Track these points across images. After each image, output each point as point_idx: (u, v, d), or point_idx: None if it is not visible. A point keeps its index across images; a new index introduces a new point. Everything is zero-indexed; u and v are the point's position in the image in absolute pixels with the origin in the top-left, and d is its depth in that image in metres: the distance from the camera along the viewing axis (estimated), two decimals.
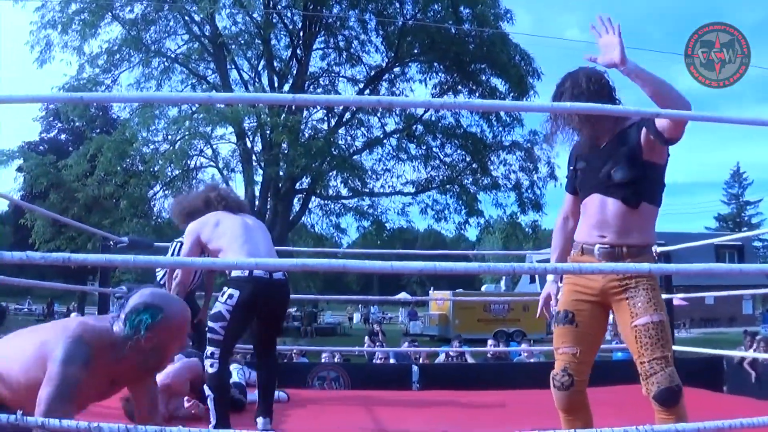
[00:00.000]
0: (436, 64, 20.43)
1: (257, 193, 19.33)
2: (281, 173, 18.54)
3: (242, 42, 19.48)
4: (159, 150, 18.67)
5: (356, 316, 38.70)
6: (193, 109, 17.79)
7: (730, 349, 10.77)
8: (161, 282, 4.64)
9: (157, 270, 5.04)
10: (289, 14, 19.58)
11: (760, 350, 9.92)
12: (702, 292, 8.12)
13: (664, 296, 2.72)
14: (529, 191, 20.30)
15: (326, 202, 20.73)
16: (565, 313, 2.70)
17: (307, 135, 19.31)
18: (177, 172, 18.96)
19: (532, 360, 9.89)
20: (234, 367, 4.64)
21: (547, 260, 3.00)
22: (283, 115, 17.16)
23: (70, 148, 23.39)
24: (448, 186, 20.30)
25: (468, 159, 20.45)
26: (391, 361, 9.65)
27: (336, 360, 9.44)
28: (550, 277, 2.92)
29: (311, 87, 20.22)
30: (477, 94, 19.88)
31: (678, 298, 7.24)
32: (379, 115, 20.17)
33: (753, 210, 58.05)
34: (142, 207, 19.42)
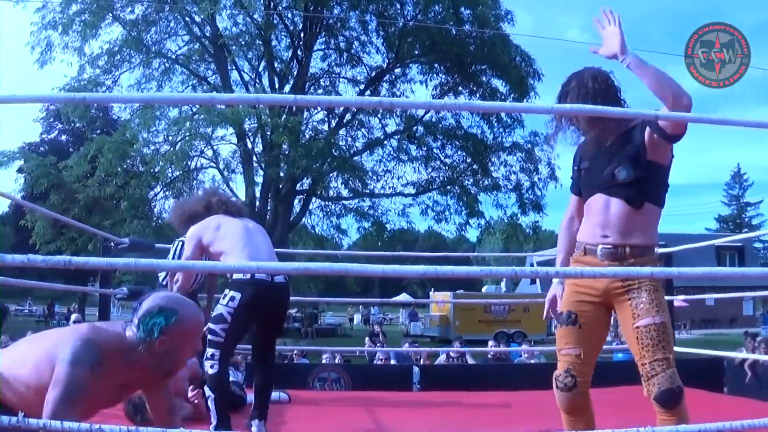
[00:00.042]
0: (436, 65, 20.44)
1: (258, 194, 19.35)
2: (282, 174, 18.54)
3: (243, 43, 19.50)
4: (159, 151, 18.68)
5: (357, 317, 38.67)
6: (194, 110, 17.81)
7: (730, 350, 10.75)
8: (163, 283, 4.64)
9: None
10: (289, 15, 19.60)
11: (761, 351, 9.91)
12: (702, 293, 8.13)
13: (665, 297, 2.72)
14: (529, 192, 20.31)
15: (327, 203, 20.74)
16: (569, 314, 2.69)
17: (307, 136, 19.33)
18: (177, 173, 18.96)
19: (532, 361, 9.88)
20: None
21: (548, 261, 3.00)
22: (284, 116, 17.17)
23: (71, 149, 23.41)
24: (448, 187, 20.31)
25: (468, 160, 20.45)
26: (392, 362, 9.64)
27: (337, 361, 9.43)
28: (555, 279, 2.92)
29: (312, 88, 20.24)
30: (478, 96, 19.89)
31: (679, 300, 7.25)
32: (379, 116, 20.18)
33: (753, 211, 58.05)
34: (143, 208, 19.42)
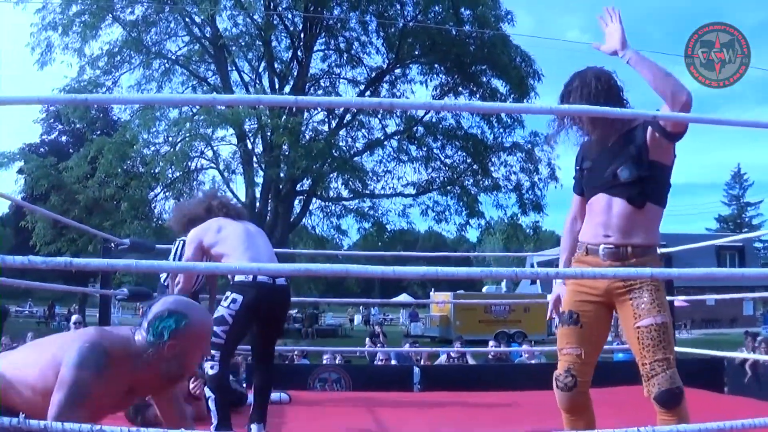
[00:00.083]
0: (436, 65, 20.45)
1: (258, 195, 19.36)
2: (282, 175, 18.55)
3: (243, 43, 19.51)
4: (160, 152, 18.69)
5: (357, 318, 38.66)
6: (194, 110, 17.83)
7: (731, 350, 10.75)
8: (165, 283, 4.65)
9: None
10: (289, 16, 19.61)
11: (761, 351, 9.91)
12: (703, 293, 8.13)
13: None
14: (529, 192, 20.33)
15: (327, 203, 20.75)
16: (570, 313, 2.69)
17: (307, 137, 19.34)
18: (178, 174, 18.97)
19: (533, 361, 9.89)
20: None
21: (548, 261, 3.00)
22: (284, 116, 17.18)
23: (71, 150, 23.40)
24: (448, 187, 20.32)
25: (469, 160, 20.47)
26: (393, 362, 9.65)
27: (337, 361, 9.43)
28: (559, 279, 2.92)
29: (312, 89, 20.26)
30: (478, 96, 19.90)
31: (679, 300, 7.25)
32: (379, 116, 20.18)
33: (754, 211, 58.03)
34: (143, 209, 19.42)
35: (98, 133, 20.68)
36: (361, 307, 39.45)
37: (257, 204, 19.22)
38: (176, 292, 3.91)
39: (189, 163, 18.96)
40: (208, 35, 19.42)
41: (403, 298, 32.36)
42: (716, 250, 34.28)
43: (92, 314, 17.68)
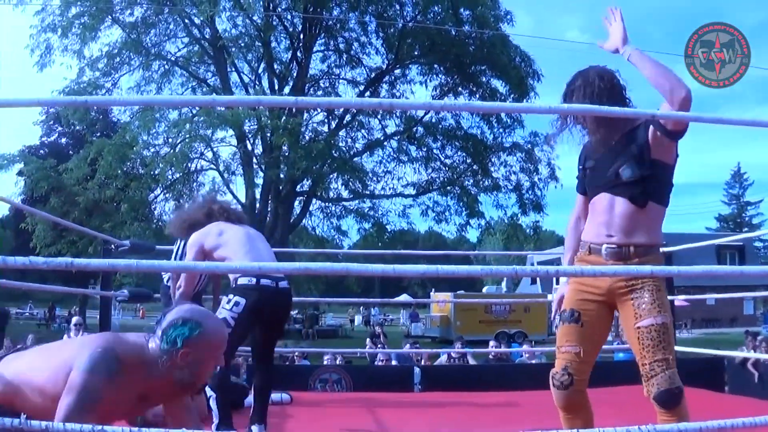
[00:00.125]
0: (436, 65, 20.47)
1: (258, 196, 19.36)
2: (282, 176, 18.56)
3: (242, 45, 19.53)
4: (159, 153, 18.70)
5: (357, 318, 38.66)
6: (194, 112, 17.84)
7: (731, 349, 10.77)
8: (167, 284, 4.66)
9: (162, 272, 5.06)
10: (289, 17, 19.63)
11: (762, 351, 9.92)
12: (703, 292, 8.14)
13: None
14: (529, 192, 20.34)
15: (327, 204, 20.76)
16: (571, 311, 2.69)
17: (307, 137, 19.36)
18: (178, 175, 18.97)
19: (533, 361, 9.89)
20: None
21: (549, 261, 3.00)
22: (284, 117, 17.20)
23: (71, 152, 23.41)
24: (448, 188, 20.34)
25: (468, 160, 20.48)
26: (393, 362, 9.64)
27: (338, 362, 9.43)
28: (563, 279, 2.92)
29: (311, 89, 20.27)
30: (477, 96, 19.92)
31: (680, 299, 7.25)
32: (379, 117, 20.19)
33: (754, 210, 58.10)
34: (143, 210, 19.43)
35: (98, 134, 20.72)
36: (361, 308, 39.45)
37: (257, 205, 19.23)
38: (177, 295, 3.92)
39: (189, 165, 18.97)
40: (207, 36, 19.44)
41: (404, 298, 32.36)
42: (716, 250, 34.31)
43: (93, 316, 17.69)
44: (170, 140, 18.64)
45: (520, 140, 20.42)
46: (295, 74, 19.98)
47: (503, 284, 40.46)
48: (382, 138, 20.64)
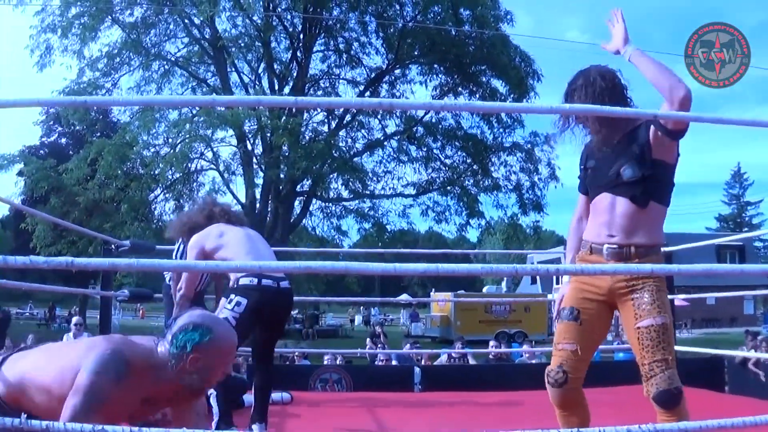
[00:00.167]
0: (436, 65, 20.46)
1: (258, 196, 19.35)
2: (282, 176, 18.55)
3: (242, 45, 19.52)
4: (159, 153, 18.68)
5: (358, 318, 38.67)
6: (194, 112, 17.83)
7: (731, 349, 10.76)
8: (168, 283, 4.66)
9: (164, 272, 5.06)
10: (289, 17, 19.61)
11: (762, 350, 9.92)
12: (703, 292, 8.12)
13: None
14: (529, 192, 20.33)
15: (327, 204, 20.74)
16: (571, 309, 2.69)
17: (307, 137, 19.34)
18: (178, 176, 18.95)
19: (533, 361, 9.89)
20: None
21: (549, 261, 3.00)
22: (284, 117, 17.19)
23: (71, 152, 23.39)
24: (448, 187, 20.32)
25: (468, 160, 20.47)
26: (393, 362, 9.65)
27: (338, 362, 9.43)
28: (565, 278, 2.92)
29: (311, 89, 20.26)
30: (477, 96, 19.91)
31: (679, 299, 7.25)
32: (379, 117, 20.18)
33: (754, 210, 58.10)
34: (143, 210, 19.40)
35: (98, 134, 20.70)
36: (361, 308, 39.46)
37: (257, 205, 19.22)
38: (178, 297, 3.92)
39: (189, 165, 18.94)
40: (207, 36, 19.43)
41: (404, 298, 32.36)
42: (716, 250, 34.30)
43: (93, 316, 17.68)
44: (170, 140, 18.62)
45: (520, 140, 20.44)
46: (295, 74, 19.97)
47: (503, 284, 40.47)
48: (382, 138, 20.64)
